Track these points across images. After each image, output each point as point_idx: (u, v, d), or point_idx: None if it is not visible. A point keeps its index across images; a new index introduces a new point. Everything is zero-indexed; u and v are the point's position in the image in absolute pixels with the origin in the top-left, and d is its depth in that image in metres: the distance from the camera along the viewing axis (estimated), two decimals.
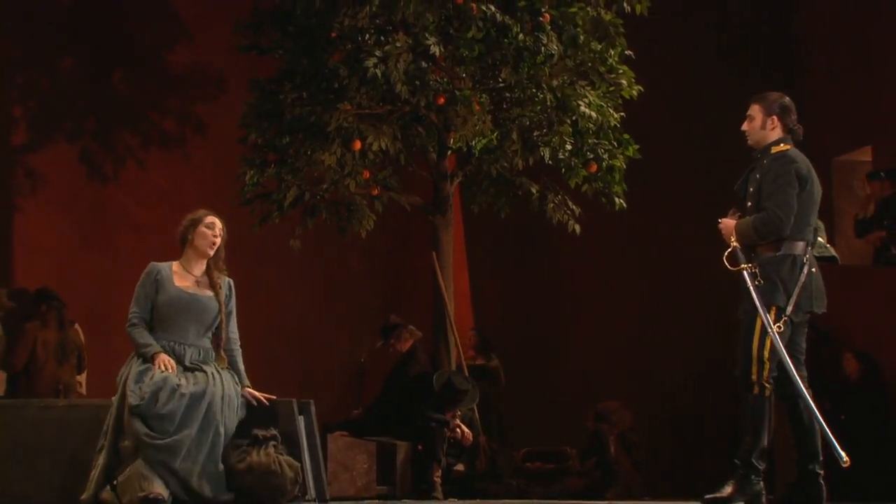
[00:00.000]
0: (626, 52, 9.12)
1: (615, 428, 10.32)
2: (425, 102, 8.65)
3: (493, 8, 8.63)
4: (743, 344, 5.72)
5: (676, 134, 11.40)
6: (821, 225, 9.69)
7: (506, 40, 8.72)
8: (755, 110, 5.94)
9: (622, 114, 9.09)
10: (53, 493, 6.06)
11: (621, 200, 9.19)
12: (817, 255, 9.46)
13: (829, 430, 5.59)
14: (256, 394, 6.09)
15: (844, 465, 5.52)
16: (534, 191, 9.41)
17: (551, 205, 9.37)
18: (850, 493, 7.57)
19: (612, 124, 9.02)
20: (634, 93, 9.10)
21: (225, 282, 6.16)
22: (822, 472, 5.74)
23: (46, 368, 9.48)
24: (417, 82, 8.55)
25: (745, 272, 5.68)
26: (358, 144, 8.67)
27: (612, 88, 9.10)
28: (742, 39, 11.55)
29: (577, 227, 9.31)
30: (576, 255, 11.26)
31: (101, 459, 5.76)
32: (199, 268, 6.09)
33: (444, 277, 9.38)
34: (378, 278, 11.91)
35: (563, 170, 9.09)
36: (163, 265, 6.10)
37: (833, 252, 9.65)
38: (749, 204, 5.84)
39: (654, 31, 9.97)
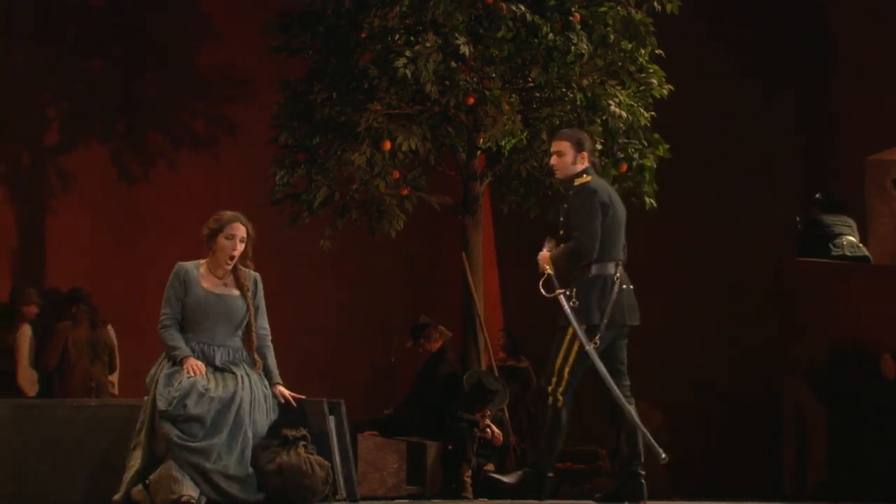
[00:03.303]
0: (656, 52, 9.09)
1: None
2: (455, 102, 8.65)
3: (522, 7, 8.62)
4: (550, 358, 6.26)
5: (707, 133, 11.35)
6: (852, 223, 9.68)
7: (535, 40, 8.70)
8: (565, 147, 6.31)
9: (652, 113, 9.05)
10: (85, 493, 6.09)
11: (651, 200, 9.15)
12: (850, 254, 9.47)
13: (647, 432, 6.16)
14: (287, 393, 6.08)
15: (663, 462, 6.13)
16: (563, 191, 9.38)
17: None
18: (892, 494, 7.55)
19: (643, 124, 8.99)
20: (665, 92, 9.07)
21: (251, 277, 6.13)
22: (643, 472, 6.22)
23: (78, 367, 9.53)
24: (447, 82, 8.54)
25: (560, 297, 6.15)
26: (388, 145, 8.68)
27: (642, 88, 9.07)
28: (774, 37, 11.48)
29: None
30: None
31: (136, 462, 5.77)
32: (225, 269, 6.08)
33: (473, 277, 9.37)
34: (408, 278, 11.91)
35: None
36: (190, 265, 6.08)
37: (865, 251, 9.60)
38: (561, 232, 6.28)
39: (684, 30, 9.92)
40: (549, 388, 6.23)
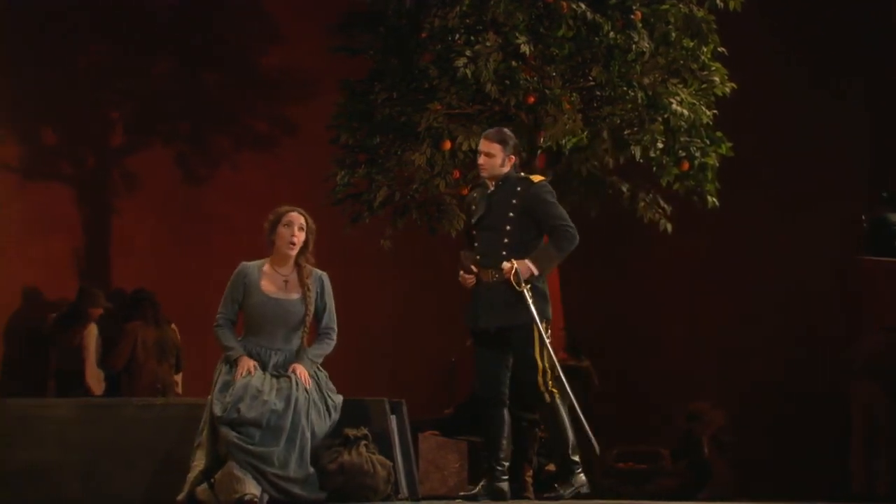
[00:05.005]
0: (718, 49, 9.02)
1: (708, 428, 10.22)
2: (515, 102, 8.64)
3: (583, 6, 8.59)
4: (522, 359, 6.36)
5: (770, 131, 11.24)
6: None
7: (596, 38, 8.67)
8: (496, 149, 6.49)
9: (715, 111, 8.99)
10: (151, 492, 6.16)
11: (713, 199, 9.08)
12: None
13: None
14: (302, 373, 5.96)
15: (596, 453, 6.46)
16: (624, 189, 9.34)
17: (642, 203, 9.29)
18: None
19: (705, 122, 8.93)
20: (727, 90, 8.99)
21: (315, 277, 6.14)
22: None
23: (146, 367, 9.62)
24: (507, 82, 8.54)
25: (526, 291, 6.27)
26: (448, 144, 8.70)
27: (704, 86, 9.01)
28: (840, 34, 11.34)
29: (669, 226, 9.22)
30: (666, 253, 11.16)
31: (199, 462, 5.82)
32: (288, 267, 6.10)
33: None
34: None
35: (655, 168, 9.02)
36: (252, 266, 6.12)
37: None
38: (509, 228, 6.38)
39: (747, 27, 9.83)
40: (541, 388, 6.39)
